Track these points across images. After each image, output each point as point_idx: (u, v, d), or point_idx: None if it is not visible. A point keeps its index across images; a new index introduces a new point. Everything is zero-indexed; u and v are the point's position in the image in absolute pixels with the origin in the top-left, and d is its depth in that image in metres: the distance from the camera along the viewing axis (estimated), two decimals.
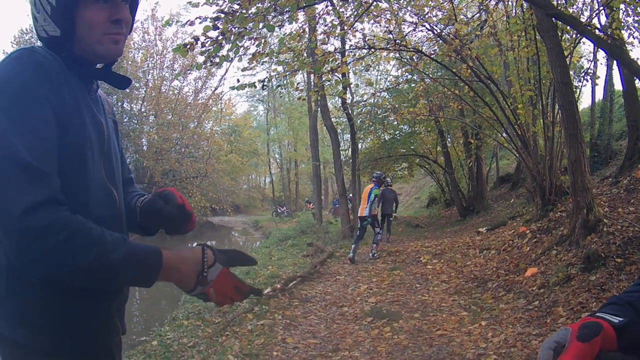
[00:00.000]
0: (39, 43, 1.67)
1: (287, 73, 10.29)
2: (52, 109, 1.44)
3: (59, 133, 1.45)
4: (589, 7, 12.96)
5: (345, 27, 10.30)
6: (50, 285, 1.48)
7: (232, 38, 7.60)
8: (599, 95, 19.74)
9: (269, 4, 7.52)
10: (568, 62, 10.22)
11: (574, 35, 11.52)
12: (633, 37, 11.70)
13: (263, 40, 8.71)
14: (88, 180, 1.58)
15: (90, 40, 1.63)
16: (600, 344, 1.19)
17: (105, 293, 1.65)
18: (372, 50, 12.17)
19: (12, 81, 1.42)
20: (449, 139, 24.64)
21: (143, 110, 33.90)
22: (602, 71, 44.39)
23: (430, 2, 12.00)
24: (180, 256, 1.59)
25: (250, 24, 7.44)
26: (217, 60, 8.09)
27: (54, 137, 1.43)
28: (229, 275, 1.69)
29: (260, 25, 7.55)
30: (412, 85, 20.03)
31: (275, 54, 9.63)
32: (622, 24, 11.01)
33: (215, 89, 38.66)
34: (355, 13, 9.75)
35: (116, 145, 1.88)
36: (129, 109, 32.07)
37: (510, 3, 14.16)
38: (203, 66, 8.32)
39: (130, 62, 31.63)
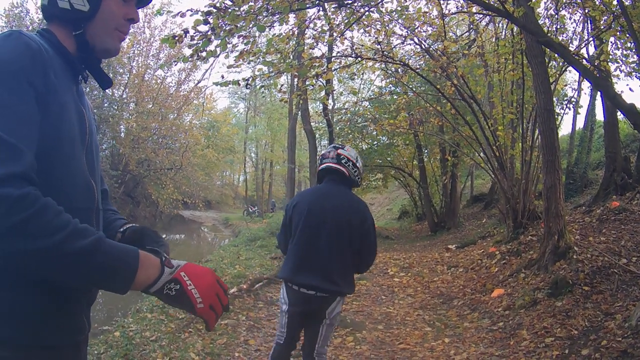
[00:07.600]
0: (37, 15, 1.65)
1: (272, 74, 10.24)
2: (35, 92, 1.39)
3: (42, 114, 1.40)
4: (578, 36, 13.18)
5: (335, 34, 10.29)
6: (17, 275, 1.37)
7: (221, 34, 7.55)
8: (580, 123, 20.13)
9: (261, 4, 7.49)
10: (552, 89, 10.34)
11: (560, 63, 11.65)
12: (620, 70, 11.86)
13: (252, 39, 8.68)
14: (68, 167, 1.52)
15: (103, 29, 1.69)
16: None
17: (76, 290, 1.55)
18: (359, 59, 12.18)
19: None
20: (426, 154, 24.73)
21: (124, 96, 33.56)
22: (585, 100, 45.06)
23: (421, 17, 12.06)
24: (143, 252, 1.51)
25: (242, 22, 7.40)
26: (204, 54, 8.01)
27: (33, 119, 1.38)
28: (205, 271, 1.59)
29: (251, 24, 7.51)
30: (395, 97, 20.09)
31: (262, 54, 9.59)
32: (610, 57, 11.15)
33: (198, 82, 38.49)
34: (347, 21, 9.73)
35: (97, 143, 1.82)
36: (110, 94, 31.70)
37: (500, 25, 14.30)
38: (190, 59, 8.23)
39: None
